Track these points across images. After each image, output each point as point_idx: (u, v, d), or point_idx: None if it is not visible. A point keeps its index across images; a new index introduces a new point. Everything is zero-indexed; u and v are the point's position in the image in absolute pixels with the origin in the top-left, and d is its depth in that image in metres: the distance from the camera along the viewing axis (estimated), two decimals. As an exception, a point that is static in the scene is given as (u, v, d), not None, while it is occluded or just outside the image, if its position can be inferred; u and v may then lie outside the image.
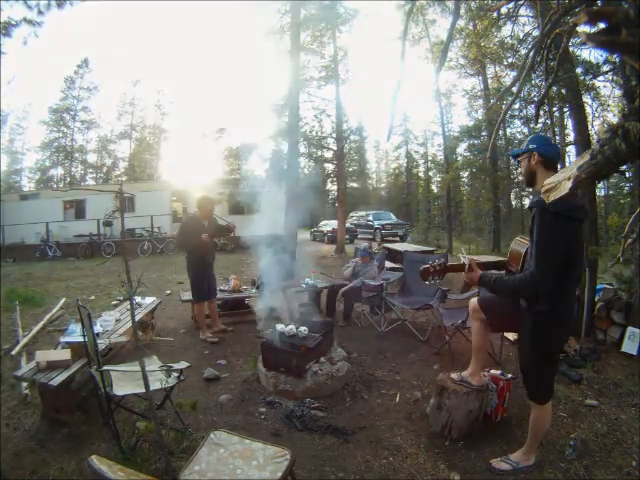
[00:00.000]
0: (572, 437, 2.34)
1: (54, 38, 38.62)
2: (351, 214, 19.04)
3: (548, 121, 10.24)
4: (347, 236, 14.68)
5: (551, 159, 1.99)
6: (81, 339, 2.74)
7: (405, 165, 30.97)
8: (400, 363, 3.72)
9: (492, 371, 2.79)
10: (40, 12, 4.36)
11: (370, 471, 2.22)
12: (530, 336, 1.95)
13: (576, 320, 3.40)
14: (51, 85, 49.05)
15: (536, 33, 5.69)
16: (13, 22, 4.30)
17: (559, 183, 1.05)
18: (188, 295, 4.90)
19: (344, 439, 2.50)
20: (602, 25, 0.83)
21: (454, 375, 2.54)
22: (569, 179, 1.00)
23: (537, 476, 2.11)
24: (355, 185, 32.22)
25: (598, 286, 4.13)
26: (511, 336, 4.05)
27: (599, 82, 7.71)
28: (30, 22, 4.31)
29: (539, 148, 1.98)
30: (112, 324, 3.69)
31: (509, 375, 2.76)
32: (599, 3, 2.72)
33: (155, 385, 2.33)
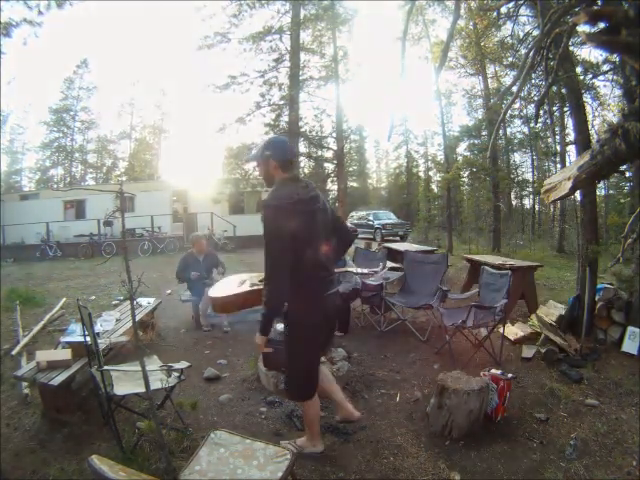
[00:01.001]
0: (572, 437, 2.34)
1: (54, 38, 38.67)
2: (351, 214, 19.02)
3: (548, 121, 10.25)
4: (347, 236, 14.63)
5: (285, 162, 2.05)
6: (81, 339, 2.75)
7: (405, 165, 30.90)
8: (400, 363, 3.71)
9: (492, 371, 2.79)
10: (40, 12, 4.37)
11: (370, 471, 2.22)
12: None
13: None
14: (51, 85, 49.07)
15: (536, 33, 5.69)
16: (13, 22, 4.31)
17: (559, 183, 1.05)
18: (188, 295, 4.95)
19: (344, 439, 2.50)
20: (602, 25, 0.83)
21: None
22: (569, 179, 1.01)
23: (537, 476, 2.11)
24: (355, 185, 32.15)
25: (598, 286, 4.12)
26: (511, 336, 4.05)
27: (599, 82, 7.73)
28: (30, 22, 4.32)
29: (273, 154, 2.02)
30: (112, 324, 3.69)
31: (509, 375, 2.76)
32: (599, 3, 2.72)
33: (155, 385, 2.32)
